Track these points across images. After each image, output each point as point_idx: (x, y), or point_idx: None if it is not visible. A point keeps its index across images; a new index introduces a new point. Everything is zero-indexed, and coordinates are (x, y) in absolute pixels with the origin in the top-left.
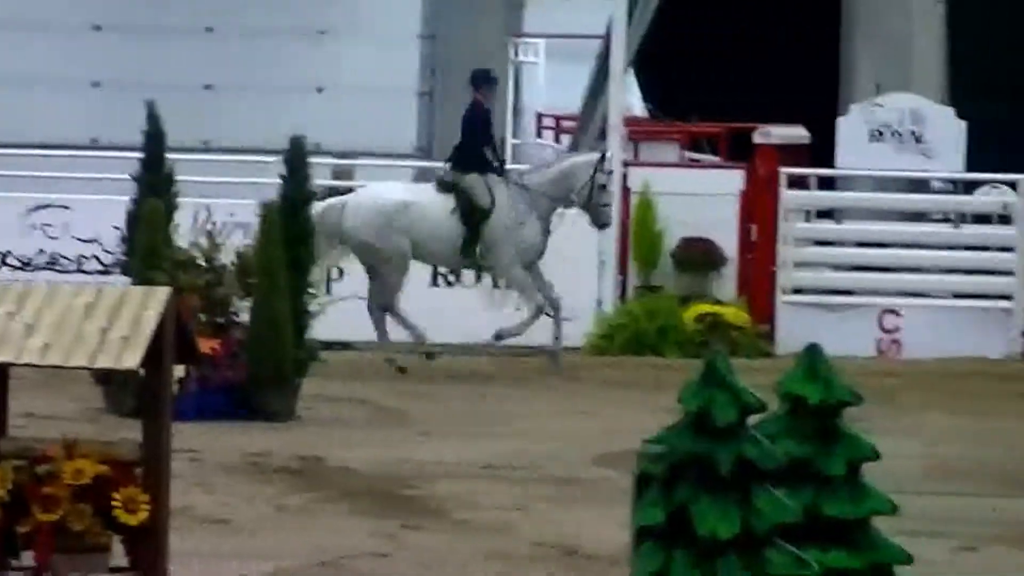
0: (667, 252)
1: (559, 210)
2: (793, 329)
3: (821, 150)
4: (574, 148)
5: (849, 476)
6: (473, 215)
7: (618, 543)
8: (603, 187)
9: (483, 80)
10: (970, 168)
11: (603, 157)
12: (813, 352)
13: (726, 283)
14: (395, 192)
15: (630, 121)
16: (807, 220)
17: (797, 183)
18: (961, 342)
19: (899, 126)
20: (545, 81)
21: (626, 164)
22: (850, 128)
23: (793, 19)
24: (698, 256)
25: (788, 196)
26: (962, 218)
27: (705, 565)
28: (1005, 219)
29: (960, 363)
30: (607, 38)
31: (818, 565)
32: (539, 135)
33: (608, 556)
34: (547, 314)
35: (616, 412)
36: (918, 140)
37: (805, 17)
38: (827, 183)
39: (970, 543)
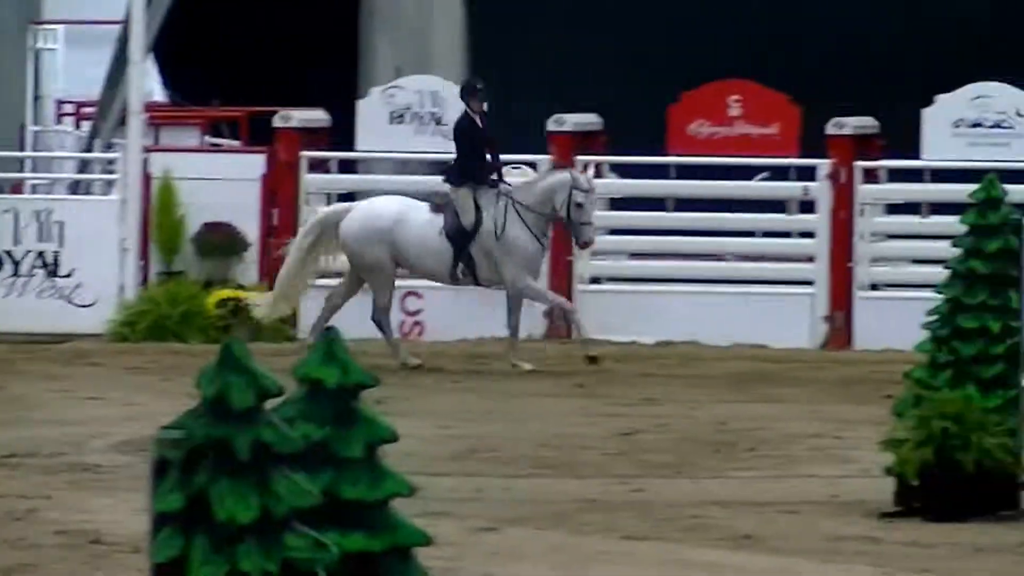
0: (189, 237)
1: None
2: (315, 313)
3: (343, 133)
4: (94, 135)
5: (367, 458)
6: (457, 233)
7: (140, 530)
8: (579, 205)
9: (470, 91)
10: None
11: (576, 177)
12: (331, 336)
13: (249, 268)
14: (390, 208)
15: (151, 106)
16: (328, 203)
17: (318, 167)
18: (483, 323)
19: (419, 108)
20: (65, 67)
21: (147, 150)
22: (370, 111)
23: (313, 2)
24: (220, 241)
25: (309, 180)
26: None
27: (225, 550)
28: None
29: (482, 344)
30: (126, 23)
31: (337, 548)
32: (59, 122)
33: (130, 543)
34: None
35: (138, 398)
36: (438, 122)
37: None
38: (348, 166)
39: (490, 523)
